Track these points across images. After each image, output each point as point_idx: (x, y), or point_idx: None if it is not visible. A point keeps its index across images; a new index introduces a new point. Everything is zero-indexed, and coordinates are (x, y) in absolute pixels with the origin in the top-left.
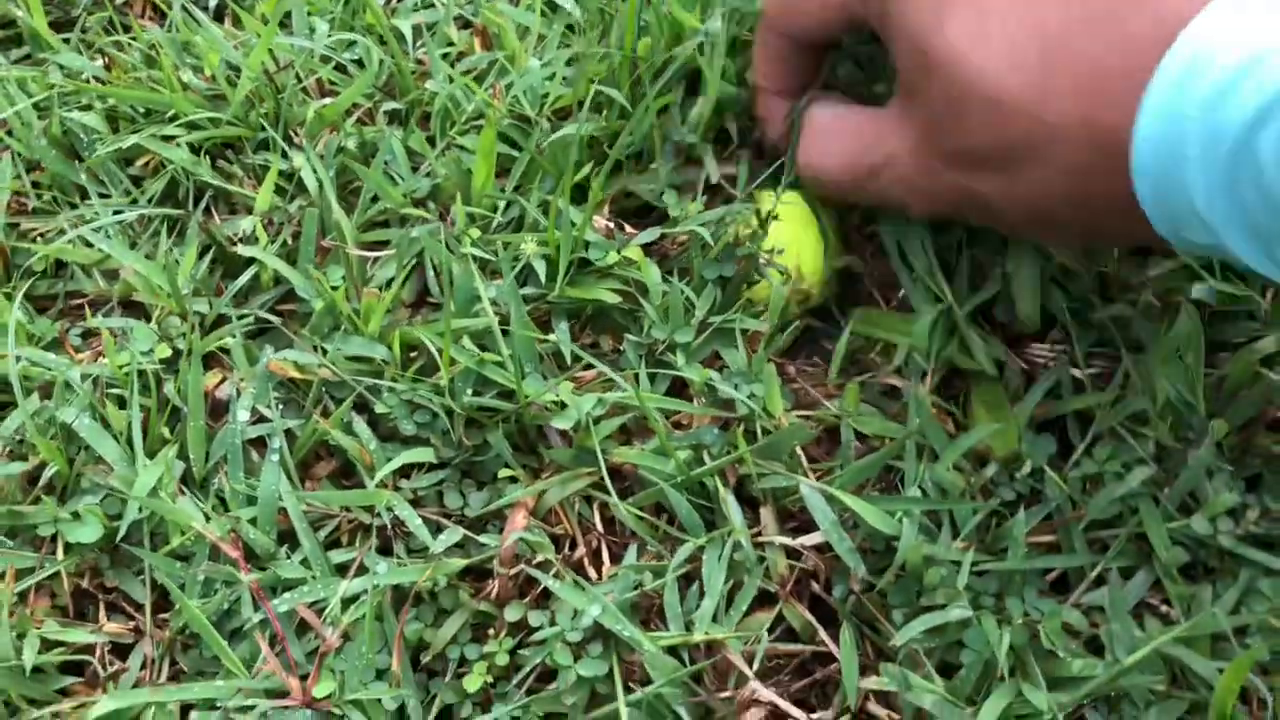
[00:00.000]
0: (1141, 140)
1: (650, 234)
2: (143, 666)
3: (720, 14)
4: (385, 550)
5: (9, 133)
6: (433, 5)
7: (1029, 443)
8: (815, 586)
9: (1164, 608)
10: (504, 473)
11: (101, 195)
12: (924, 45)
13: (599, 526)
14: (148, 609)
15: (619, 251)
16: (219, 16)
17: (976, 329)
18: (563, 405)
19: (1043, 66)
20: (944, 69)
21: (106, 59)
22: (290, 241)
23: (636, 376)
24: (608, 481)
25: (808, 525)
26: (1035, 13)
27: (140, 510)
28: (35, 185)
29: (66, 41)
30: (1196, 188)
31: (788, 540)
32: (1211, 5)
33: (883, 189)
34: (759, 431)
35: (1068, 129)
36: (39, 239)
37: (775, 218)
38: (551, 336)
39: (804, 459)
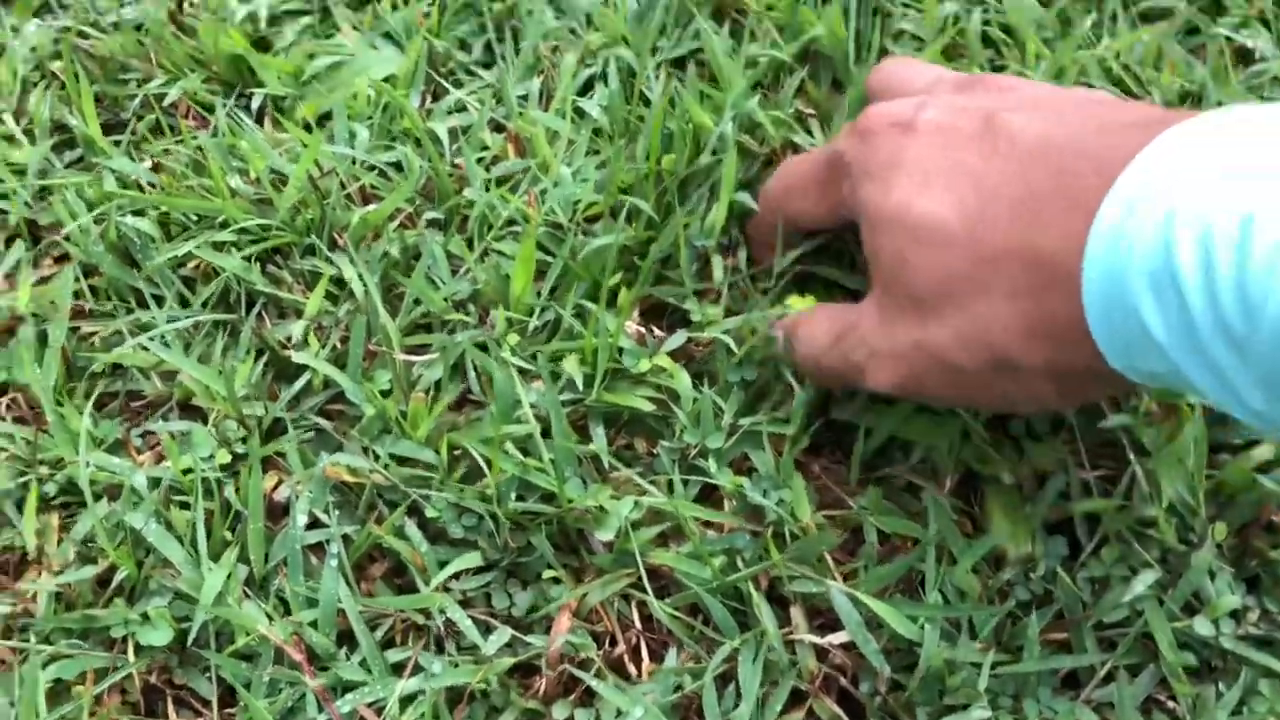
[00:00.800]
0: (1089, 262)
1: (678, 339)
2: None
3: (730, 119)
4: (438, 648)
5: (67, 238)
6: (465, 109)
7: (1041, 543)
8: (844, 681)
9: (1170, 704)
10: (547, 573)
11: (156, 298)
12: (875, 211)
13: (638, 624)
14: (214, 706)
15: (650, 359)
16: (260, 118)
17: (989, 435)
18: (603, 510)
19: (979, 202)
20: (891, 223)
21: (155, 163)
22: (339, 345)
23: (670, 483)
24: (646, 584)
25: (836, 623)
26: (974, 169)
27: (207, 613)
28: (93, 290)
29: (117, 145)
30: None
31: (817, 639)
32: (1145, 154)
33: (853, 360)
34: (788, 535)
35: (1008, 252)
36: (98, 341)
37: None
38: (590, 446)
39: (830, 560)
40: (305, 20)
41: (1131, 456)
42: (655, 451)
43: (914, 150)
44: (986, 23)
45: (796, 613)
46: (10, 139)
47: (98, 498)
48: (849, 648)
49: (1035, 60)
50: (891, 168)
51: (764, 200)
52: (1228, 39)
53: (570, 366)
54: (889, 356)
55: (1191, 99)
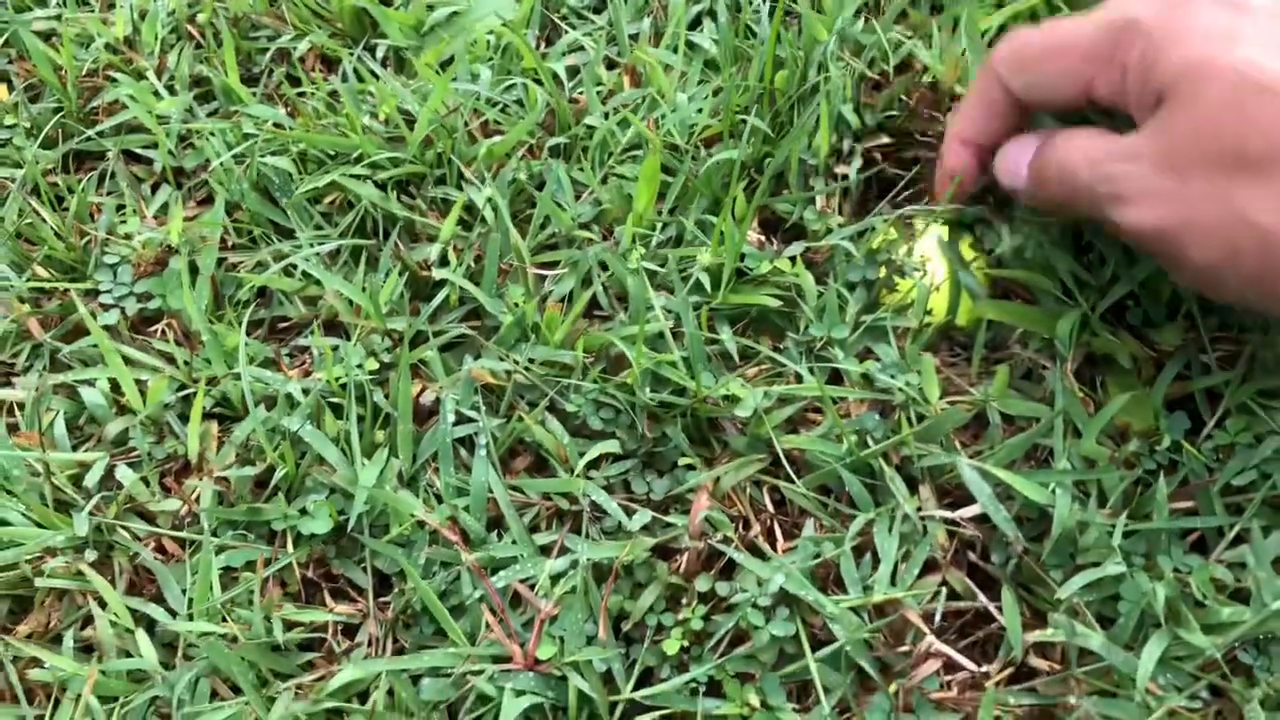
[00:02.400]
0: None
1: (797, 247)
2: (369, 644)
3: (837, 36)
4: (579, 533)
5: (211, 177)
6: (581, 49)
7: (1164, 419)
8: (972, 556)
9: None
10: (683, 461)
11: (293, 234)
12: (1207, 63)
13: (770, 508)
14: (370, 593)
15: (772, 261)
16: (384, 66)
17: (1107, 325)
18: (735, 399)
19: None
20: (1231, 73)
21: (290, 108)
22: (473, 264)
23: (797, 375)
24: (785, 463)
25: (964, 500)
26: None
27: (365, 503)
28: (235, 228)
29: (254, 95)
30: None
31: (948, 513)
32: None
33: (1113, 190)
34: (914, 417)
35: None
36: (242, 272)
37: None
38: (721, 336)
39: (957, 442)
40: None
41: (1250, 333)
42: (781, 346)
43: (1253, 27)
44: None
45: (925, 490)
46: (155, 94)
47: (255, 405)
48: (980, 521)
49: None
50: (1228, 38)
51: (986, 77)
52: None
53: (700, 258)
54: (1165, 200)
55: None
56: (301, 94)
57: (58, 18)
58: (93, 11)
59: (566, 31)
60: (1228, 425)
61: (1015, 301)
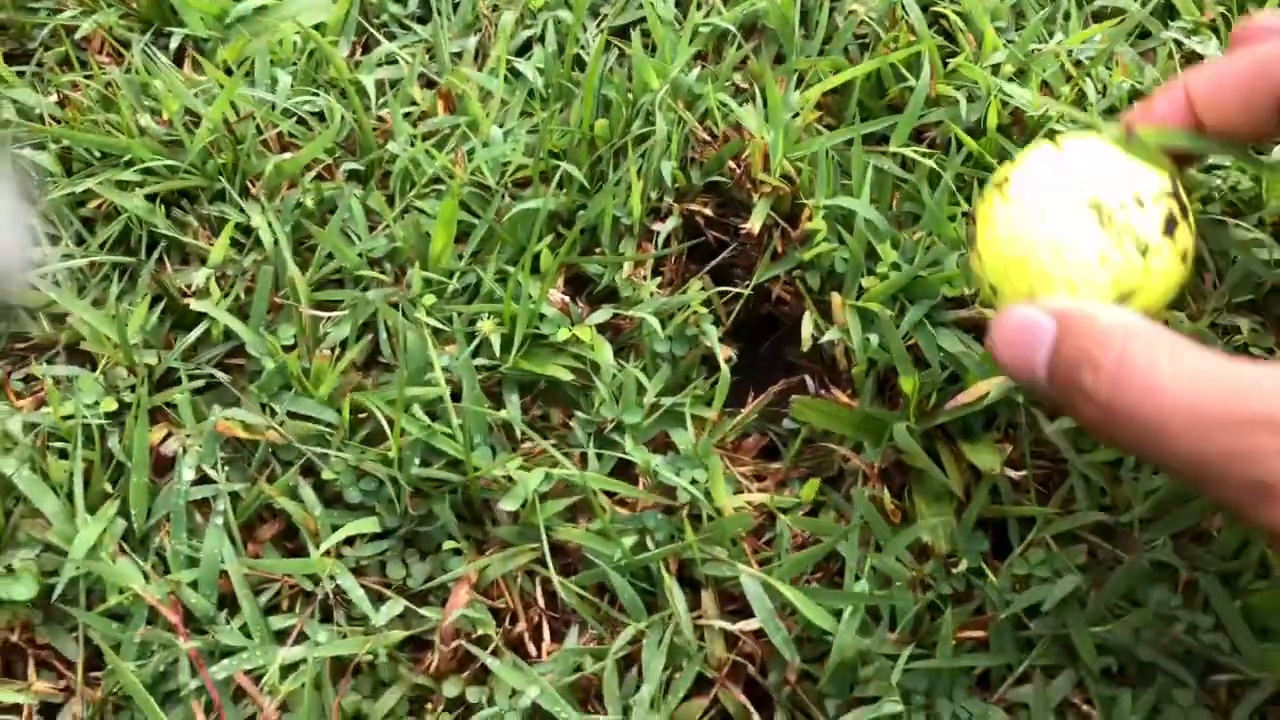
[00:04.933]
0: None
1: (603, 314)
2: None
3: (669, 85)
4: (326, 617)
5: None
6: (396, 62)
7: (966, 539)
8: (751, 670)
9: (1085, 707)
10: (448, 544)
11: (51, 238)
12: None
13: (540, 602)
14: (79, 668)
15: (571, 328)
16: (178, 59)
17: (923, 428)
18: (510, 480)
19: None
20: None
21: (61, 96)
22: (243, 296)
23: (584, 456)
24: (549, 560)
25: (748, 608)
26: None
27: (78, 568)
28: None
29: (21, 76)
30: None
31: (727, 625)
32: None
33: (1260, 476)
34: (704, 517)
35: None
36: None
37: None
38: (503, 413)
39: (746, 546)
40: None
41: (1070, 461)
42: (571, 424)
43: None
44: (940, 12)
45: (707, 597)
46: None
47: None
48: (759, 635)
49: (991, 51)
50: None
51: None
52: (1177, 43)
53: (488, 329)
54: None
55: (1140, 99)
56: (74, 84)
57: None
58: None
59: (384, 42)
60: (1029, 555)
61: (836, 402)
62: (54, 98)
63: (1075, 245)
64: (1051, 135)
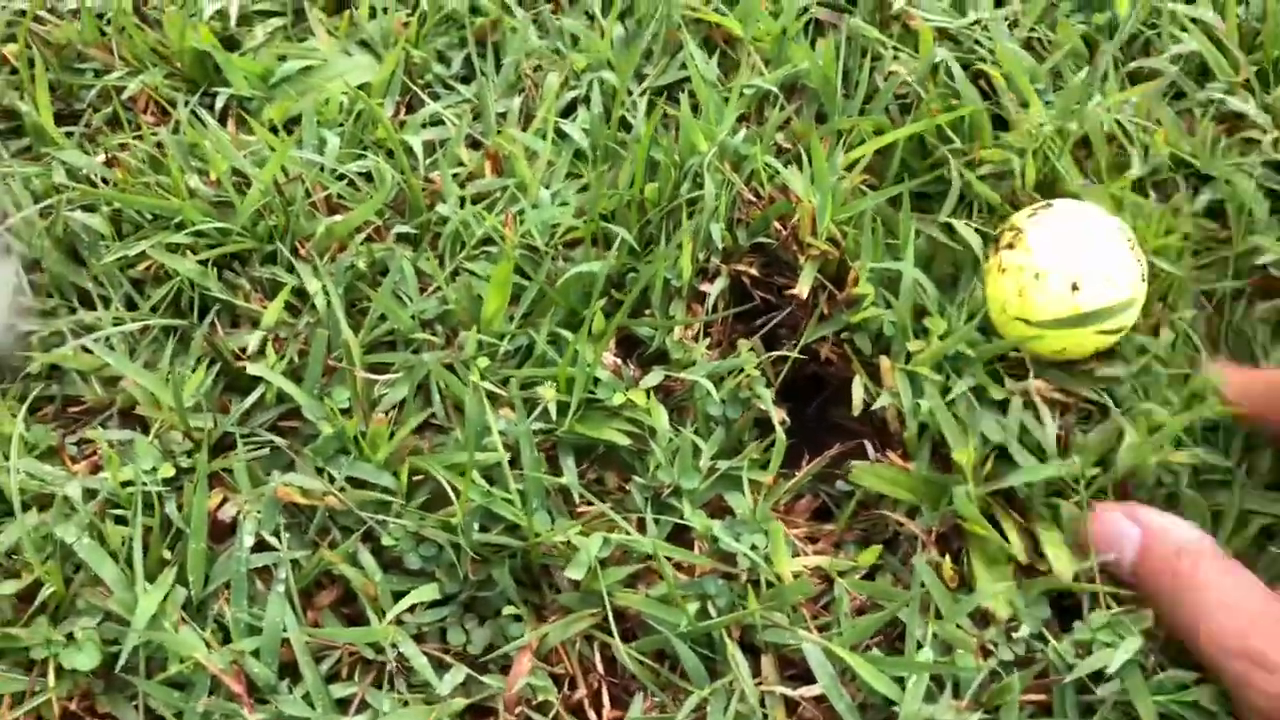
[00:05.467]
0: None
1: (655, 377)
2: None
3: (714, 150)
4: (388, 685)
5: (8, 228)
6: (442, 123)
7: (1027, 605)
8: None
9: None
10: (508, 610)
11: (103, 299)
12: None
13: (600, 668)
14: None
15: (625, 392)
16: (223, 119)
17: (988, 494)
18: (571, 546)
19: None
20: None
21: (110, 157)
22: (296, 359)
23: (641, 521)
24: (613, 626)
25: (809, 674)
26: None
27: (140, 637)
28: (33, 285)
29: (70, 136)
30: None
31: (789, 691)
32: None
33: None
34: (763, 582)
35: None
36: (36, 341)
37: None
38: (561, 478)
39: (805, 611)
40: (277, 21)
41: None
42: (627, 488)
43: None
44: (981, 72)
45: (767, 662)
46: None
47: (26, 508)
48: (821, 700)
49: (1035, 113)
50: None
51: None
52: (1213, 102)
53: (544, 394)
54: None
55: (1184, 166)
56: (124, 143)
57: None
58: None
59: (428, 102)
60: (1091, 619)
61: (892, 465)
62: (102, 158)
63: (1124, 270)
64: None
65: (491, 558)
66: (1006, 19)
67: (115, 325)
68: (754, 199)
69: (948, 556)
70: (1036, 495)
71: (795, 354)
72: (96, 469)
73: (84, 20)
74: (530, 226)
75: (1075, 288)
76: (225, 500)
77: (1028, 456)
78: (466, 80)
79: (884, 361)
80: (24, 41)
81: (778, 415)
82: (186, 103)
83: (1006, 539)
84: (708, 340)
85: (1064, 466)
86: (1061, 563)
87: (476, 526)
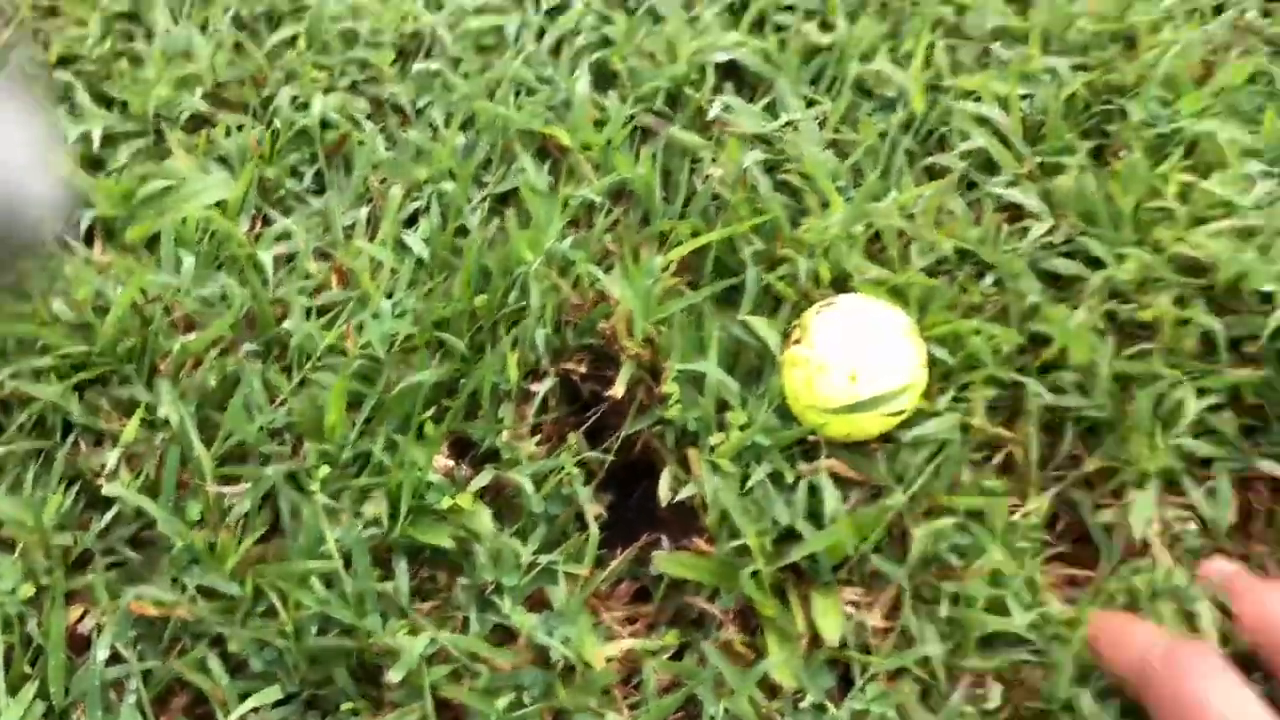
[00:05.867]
0: None
1: (485, 477)
2: None
3: (544, 256)
4: None
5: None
6: (292, 236)
7: (811, 676)
8: None
9: None
10: (346, 705)
11: None
12: None
13: None
14: None
15: (453, 496)
16: (89, 238)
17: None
18: (396, 648)
19: None
20: None
21: None
22: (153, 474)
23: (465, 620)
24: (437, 715)
25: None
26: None
27: None
28: None
29: None
30: None
31: None
32: None
33: None
34: (577, 669)
35: None
36: None
37: None
38: (389, 584)
39: (617, 692)
40: (139, 142)
41: (907, 606)
42: (453, 587)
43: None
44: (786, 171)
45: None
46: None
47: None
48: None
49: (835, 211)
50: None
51: None
52: (997, 196)
53: (375, 506)
54: None
55: (968, 256)
56: None
57: None
58: None
59: (280, 219)
60: (867, 689)
61: (695, 552)
62: None
63: (898, 359)
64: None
65: (330, 658)
66: (816, 118)
67: None
68: (580, 302)
69: (744, 632)
70: (822, 568)
71: (610, 457)
72: None
73: None
74: (370, 337)
75: (853, 378)
76: (85, 614)
77: (813, 531)
78: (319, 192)
79: (691, 453)
80: None
81: (592, 511)
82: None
83: (792, 615)
84: (539, 436)
85: (833, 536)
86: (829, 630)
87: (315, 629)
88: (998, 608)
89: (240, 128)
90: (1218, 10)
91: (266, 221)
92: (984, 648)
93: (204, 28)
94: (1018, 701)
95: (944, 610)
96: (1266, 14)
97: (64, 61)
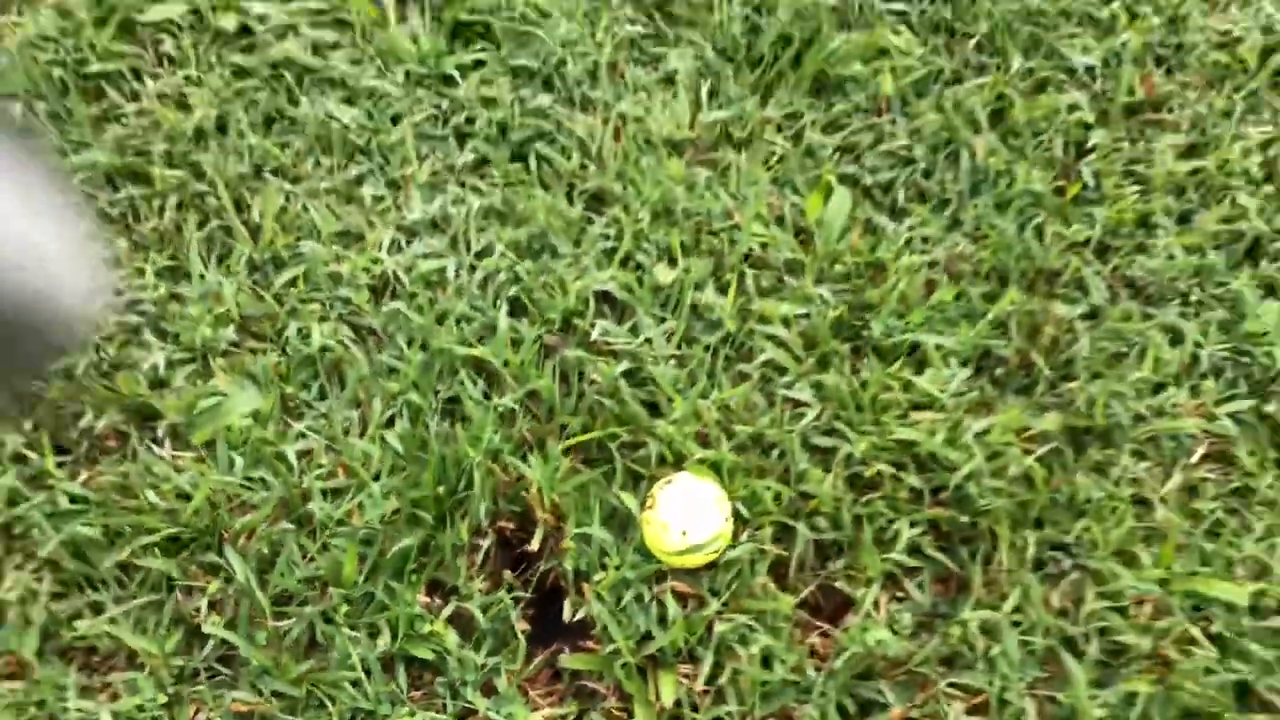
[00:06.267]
0: None
1: (449, 609)
2: None
3: (485, 453)
4: None
5: (22, 535)
6: (306, 435)
7: None
8: None
9: None
10: None
11: (103, 583)
12: None
13: None
14: None
15: (431, 623)
16: (163, 439)
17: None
18: None
19: None
20: None
21: (92, 481)
22: (232, 613)
23: (444, 704)
24: None
25: None
26: None
27: None
28: (58, 577)
29: (61, 466)
30: None
31: None
32: None
33: None
34: None
35: None
36: (64, 611)
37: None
38: (392, 686)
39: None
40: (191, 367)
41: (718, 676)
42: (435, 684)
43: None
44: (643, 379)
45: None
46: None
47: None
48: None
49: (673, 407)
50: None
51: None
52: (786, 397)
53: (382, 632)
54: None
55: (762, 438)
56: (101, 473)
57: None
58: None
59: (294, 425)
60: None
61: (591, 652)
62: (85, 475)
63: (712, 525)
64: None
65: None
66: (665, 334)
67: (117, 604)
68: (508, 480)
69: (620, 702)
70: (667, 655)
71: (527, 595)
72: (115, 698)
73: (64, 380)
74: (368, 514)
75: (685, 534)
76: (197, 711)
77: (661, 632)
78: (322, 399)
79: (585, 586)
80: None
81: (520, 627)
82: (141, 438)
83: (651, 692)
84: (483, 576)
85: (673, 634)
86: (667, 696)
87: (350, 717)
88: (769, 666)
89: (264, 351)
90: (946, 234)
91: (290, 423)
92: (765, 700)
93: (228, 270)
94: None
95: (738, 676)
96: (975, 240)
97: (131, 305)
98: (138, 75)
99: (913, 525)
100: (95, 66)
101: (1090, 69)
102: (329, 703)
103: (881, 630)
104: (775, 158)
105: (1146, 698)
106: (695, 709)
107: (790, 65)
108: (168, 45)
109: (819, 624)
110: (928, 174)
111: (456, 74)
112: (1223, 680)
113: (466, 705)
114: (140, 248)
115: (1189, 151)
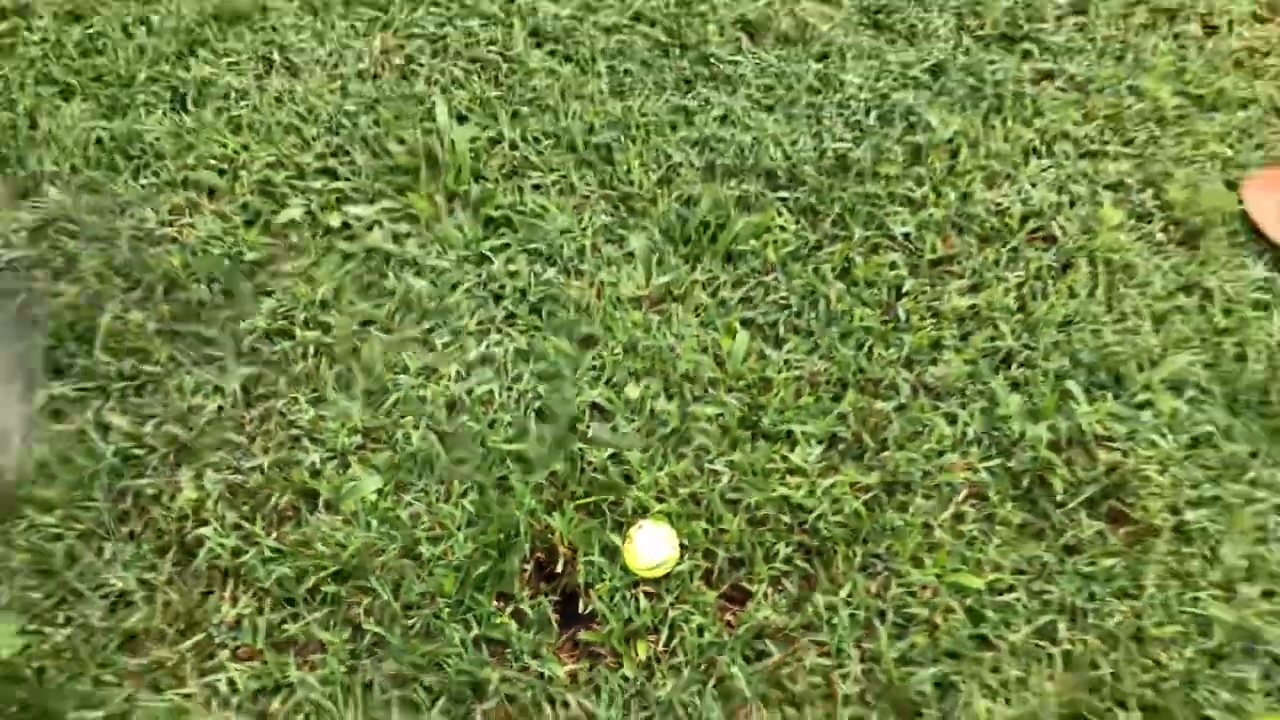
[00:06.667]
0: None
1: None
2: None
3: (527, 513)
4: None
5: (246, 575)
6: (413, 504)
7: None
8: None
9: None
10: None
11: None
12: None
13: None
14: None
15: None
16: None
17: None
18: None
19: None
20: None
21: (280, 536)
22: None
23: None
24: None
25: None
26: None
27: None
28: None
29: (265, 530)
30: None
31: None
32: None
33: None
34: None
35: None
36: None
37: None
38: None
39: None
40: (335, 462)
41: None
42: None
43: None
44: (621, 463)
45: None
46: None
47: None
48: None
49: (644, 476)
50: None
51: None
52: (709, 468)
53: (472, 628)
54: None
55: (699, 495)
56: (287, 534)
57: None
58: None
59: (406, 495)
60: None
61: (592, 631)
62: (275, 535)
63: (666, 551)
64: (645, 516)
65: None
66: (634, 430)
67: (309, 613)
68: (541, 528)
69: (614, 659)
70: (641, 632)
71: (557, 598)
72: (314, 668)
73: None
74: (457, 553)
75: (650, 558)
76: (365, 674)
77: (638, 617)
78: (421, 479)
79: (590, 591)
80: None
81: (553, 617)
82: (310, 510)
83: (632, 652)
84: (530, 588)
85: (643, 618)
86: (637, 657)
87: None
88: (701, 634)
89: (381, 450)
90: (808, 356)
91: (400, 497)
92: (699, 653)
93: (351, 396)
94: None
95: (684, 641)
96: (828, 360)
97: (290, 423)
98: (273, 260)
99: (786, 546)
100: (250, 255)
101: (907, 235)
102: (446, 667)
103: (768, 609)
104: (702, 308)
105: (923, 645)
106: (658, 661)
107: (709, 242)
108: (293, 237)
109: (731, 607)
110: (799, 315)
111: (490, 254)
112: (971, 633)
113: (524, 664)
114: (294, 383)
115: (969, 291)
